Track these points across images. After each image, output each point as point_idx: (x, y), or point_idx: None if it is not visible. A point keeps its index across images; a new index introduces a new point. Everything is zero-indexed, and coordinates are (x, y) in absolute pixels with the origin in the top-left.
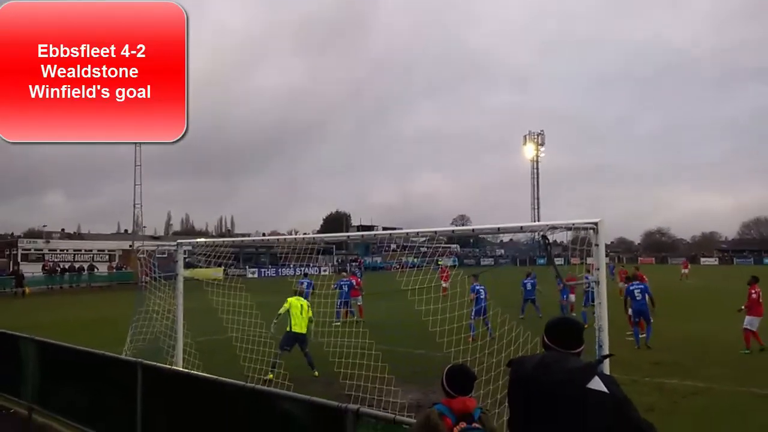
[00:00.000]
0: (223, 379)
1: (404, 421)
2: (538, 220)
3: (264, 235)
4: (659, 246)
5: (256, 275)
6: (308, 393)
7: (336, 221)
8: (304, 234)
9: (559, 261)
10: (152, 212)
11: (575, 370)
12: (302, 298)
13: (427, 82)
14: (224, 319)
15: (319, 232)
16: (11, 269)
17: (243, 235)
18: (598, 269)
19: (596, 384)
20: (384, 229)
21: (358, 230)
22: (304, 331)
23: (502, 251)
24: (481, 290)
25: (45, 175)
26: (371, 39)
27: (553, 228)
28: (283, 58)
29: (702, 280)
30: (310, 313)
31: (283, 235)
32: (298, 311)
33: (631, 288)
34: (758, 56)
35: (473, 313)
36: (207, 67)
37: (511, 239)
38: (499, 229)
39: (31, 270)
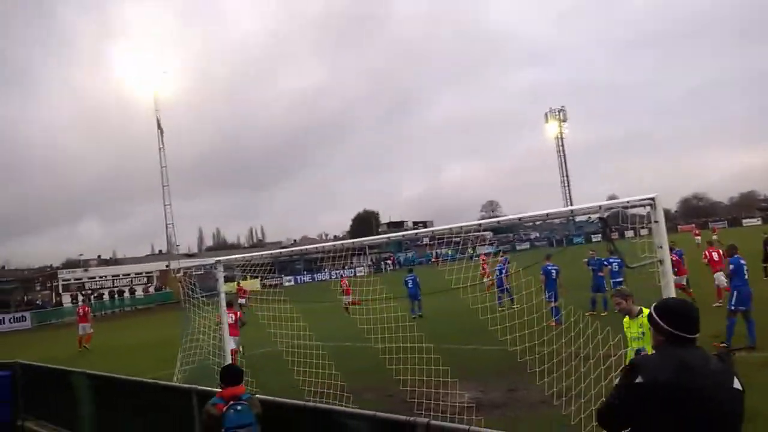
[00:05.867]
0: (281, 399)
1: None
2: (570, 199)
3: (295, 241)
4: (697, 211)
5: (292, 282)
6: (363, 402)
7: (365, 220)
8: (335, 236)
9: (596, 239)
10: (184, 230)
11: (720, 372)
12: None
13: (444, 68)
14: (271, 333)
15: (348, 232)
16: (54, 301)
17: (275, 244)
18: (661, 247)
19: (736, 383)
20: (414, 223)
21: (388, 227)
22: None
23: (537, 234)
24: (553, 271)
25: (77, 204)
26: (386, 31)
27: (609, 208)
28: (301, 59)
29: None
30: None
31: (313, 238)
32: None
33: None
34: None
35: (548, 297)
36: (226, 78)
37: (543, 220)
38: (548, 215)
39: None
